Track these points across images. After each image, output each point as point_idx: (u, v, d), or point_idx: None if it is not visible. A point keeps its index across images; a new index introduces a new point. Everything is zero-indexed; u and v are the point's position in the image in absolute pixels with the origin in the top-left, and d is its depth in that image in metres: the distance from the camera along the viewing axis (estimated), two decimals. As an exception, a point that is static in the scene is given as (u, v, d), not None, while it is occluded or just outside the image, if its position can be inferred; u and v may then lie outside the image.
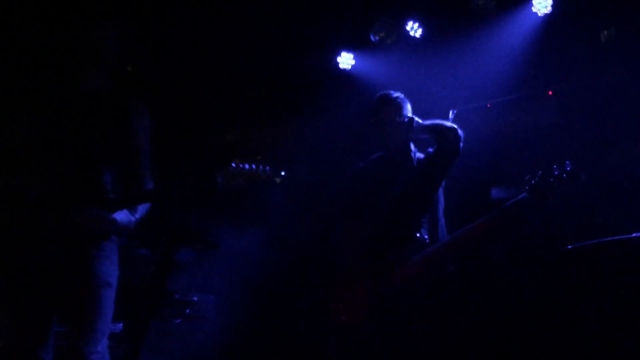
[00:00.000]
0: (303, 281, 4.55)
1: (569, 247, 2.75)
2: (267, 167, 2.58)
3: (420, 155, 3.43)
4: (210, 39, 4.86)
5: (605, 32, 4.71)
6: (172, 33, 4.66)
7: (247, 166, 2.57)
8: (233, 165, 2.56)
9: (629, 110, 4.42)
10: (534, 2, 4.48)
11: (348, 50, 5.33)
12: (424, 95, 4.18)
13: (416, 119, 3.28)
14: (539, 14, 4.49)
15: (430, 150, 3.39)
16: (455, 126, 3.10)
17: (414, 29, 4.88)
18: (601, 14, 4.55)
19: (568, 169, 2.79)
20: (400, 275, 3.16)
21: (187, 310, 4.09)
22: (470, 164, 3.83)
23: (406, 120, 3.37)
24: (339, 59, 5.28)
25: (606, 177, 3.91)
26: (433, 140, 3.22)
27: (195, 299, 4.19)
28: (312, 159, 5.38)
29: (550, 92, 4.40)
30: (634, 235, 2.64)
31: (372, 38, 5.05)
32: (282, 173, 2.57)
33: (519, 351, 3.77)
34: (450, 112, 4.16)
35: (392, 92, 3.47)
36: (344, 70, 5.32)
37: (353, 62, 5.32)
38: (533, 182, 2.85)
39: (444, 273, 3.16)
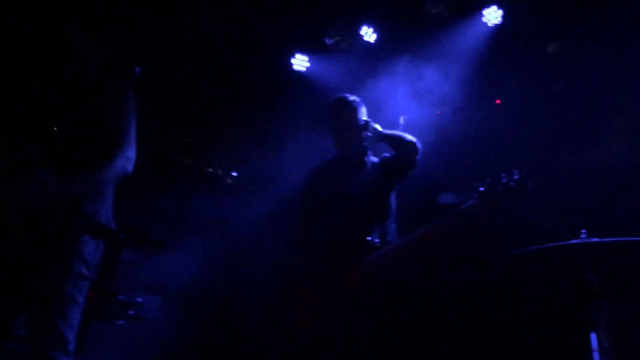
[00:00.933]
0: (253, 282, 4.51)
1: (513, 252, 2.82)
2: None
3: (374, 159, 3.46)
4: (164, 39, 4.78)
5: (552, 45, 4.87)
6: (128, 32, 4.55)
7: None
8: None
9: (573, 121, 4.57)
10: (484, 12, 4.59)
11: (303, 52, 5.34)
12: (376, 100, 4.22)
13: (372, 123, 3.31)
14: (489, 25, 4.60)
15: (386, 155, 3.42)
16: (415, 140, 3.14)
17: (368, 34, 4.92)
18: (548, 28, 4.69)
19: (516, 177, 2.85)
20: (351, 277, 3.17)
21: (131, 312, 3.99)
22: (419, 169, 3.89)
23: (362, 123, 3.40)
24: (293, 61, 5.27)
25: (550, 184, 4.02)
26: (391, 149, 3.25)
27: (140, 300, 4.09)
28: (266, 160, 5.35)
29: (498, 101, 4.50)
30: (572, 241, 2.72)
31: (326, 41, 5.06)
32: (234, 174, 2.55)
33: (464, 351, 3.84)
34: (401, 118, 4.22)
35: (348, 95, 3.49)
36: (299, 71, 5.33)
37: (308, 64, 5.33)
38: (481, 189, 2.90)
39: (393, 276, 3.19)
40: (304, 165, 3.67)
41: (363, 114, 3.43)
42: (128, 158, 2.77)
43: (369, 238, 3.20)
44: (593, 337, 2.62)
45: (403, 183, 3.36)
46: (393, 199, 3.35)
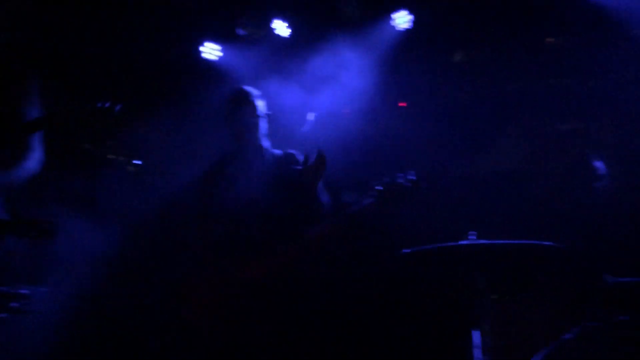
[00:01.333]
0: (148, 277, 4.38)
1: (404, 251, 2.90)
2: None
3: (277, 151, 3.44)
4: (67, 23, 4.55)
5: (458, 53, 5.08)
6: (33, 17, 4.29)
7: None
8: None
9: (471, 127, 4.77)
10: (394, 17, 4.69)
11: (216, 41, 5.24)
12: (288, 95, 4.22)
13: (271, 115, 3.32)
14: (398, 29, 4.71)
15: (292, 152, 3.41)
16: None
17: (281, 28, 4.90)
18: (455, 36, 4.88)
19: (411, 177, 2.94)
20: (248, 274, 3.15)
21: (14, 304, 3.75)
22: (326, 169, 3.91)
23: (262, 117, 3.37)
24: (202, 49, 5.16)
25: (446, 187, 4.19)
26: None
27: (25, 291, 3.85)
28: (170, 150, 5.21)
29: (402, 104, 4.63)
30: (460, 242, 2.84)
31: (238, 32, 5.01)
32: (136, 162, 2.48)
33: (355, 348, 3.92)
34: (309, 115, 4.24)
35: (247, 88, 3.46)
36: (209, 61, 5.23)
37: (220, 53, 5.24)
38: (378, 188, 2.97)
39: (289, 273, 3.20)
40: (210, 156, 3.60)
41: (263, 109, 3.42)
42: (39, 160, 2.64)
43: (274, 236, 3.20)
44: (476, 334, 2.75)
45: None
46: (321, 192, 3.34)
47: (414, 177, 2.95)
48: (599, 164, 3.74)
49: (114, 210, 4.59)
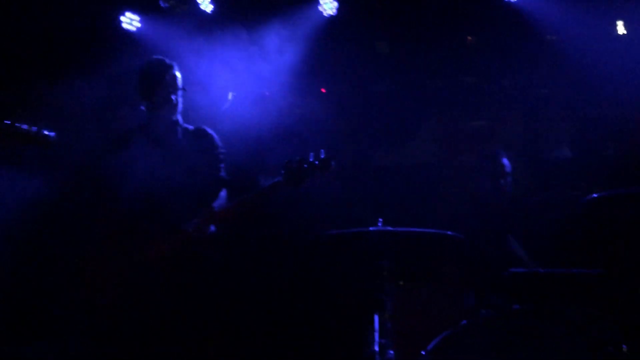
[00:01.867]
0: (50, 254, 4.19)
1: (314, 235, 2.94)
2: (45, 130, 2.36)
3: (189, 126, 3.37)
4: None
5: (381, 43, 5.15)
6: None
7: (24, 126, 2.34)
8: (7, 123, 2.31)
9: (391, 118, 4.87)
10: (320, 1, 4.68)
11: (137, 12, 5.04)
12: (208, 73, 4.13)
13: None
14: (325, 14, 4.70)
15: (204, 128, 3.35)
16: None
17: (204, 3, 4.78)
18: (379, 27, 4.94)
19: (322, 156, 2.96)
20: (155, 251, 3.08)
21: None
22: (242, 150, 3.88)
23: (178, 91, 3.28)
24: (122, 19, 4.95)
25: (361, 175, 4.26)
26: None
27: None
28: (83, 120, 4.98)
29: (323, 90, 4.65)
30: (371, 228, 2.90)
31: (161, 4, 4.85)
32: (48, 133, 2.35)
33: (260, 330, 3.94)
34: (230, 94, 4.17)
35: (165, 60, 3.35)
36: (129, 31, 5.03)
37: (139, 24, 5.05)
38: (289, 166, 2.97)
39: (197, 251, 3.15)
40: (122, 127, 3.47)
41: (179, 83, 3.33)
42: None
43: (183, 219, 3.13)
44: (377, 318, 2.82)
45: (225, 163, 3.34)
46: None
47: (324, 156, 2.97)
48: (505, 161, 3.92)
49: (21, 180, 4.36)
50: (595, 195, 2.70)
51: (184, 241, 3.08)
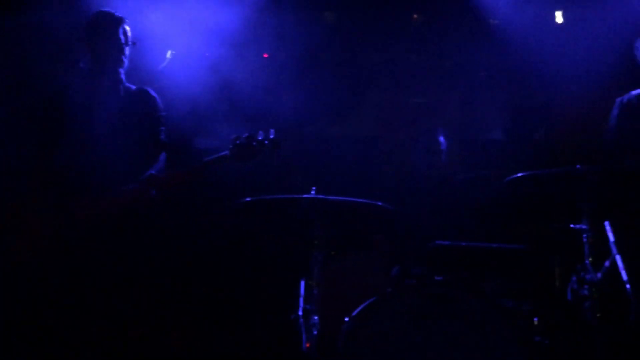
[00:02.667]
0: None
1: (243, 201, 2.95)
2: None
3: (132, 86, 3.28)
4: None
5: (329, 13, 5.13)
6: None
7: None
8: None
9: (337, 90, 4.87)
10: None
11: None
12: (146, 28, 3.99)
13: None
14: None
15: (147, 89, 3.27)
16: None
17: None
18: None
19: (271, 136, 2.95)
20: (88, 211, 3.01)
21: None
22: (178, 111, 3.81)
23: (126, 47, 3.18)
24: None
25: (305, 145, 4.28)
26: None
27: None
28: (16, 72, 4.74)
29: (265, 55, 4.60)
30: (302, 196, 2.93)
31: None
32: None
33: (189, 295, 3.94)
34: (169, 52, 4.06)
35: (114, 12, 3.23)
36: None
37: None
38: (238, 142, 2.96)
39: (131, 213, 3.10)
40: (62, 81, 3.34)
41: (129, 36, 3.24)
42: None
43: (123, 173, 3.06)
44: (302, 284, 2.87)
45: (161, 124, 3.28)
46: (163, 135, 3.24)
47: (273, 136, 2.96)
48: (442, 139, 4.01)
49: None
50: (516, 175, 2.81)
51: (121, 203, 3.02)
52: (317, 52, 4.98)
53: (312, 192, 2.98)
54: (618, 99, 3.57)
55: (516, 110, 4.92)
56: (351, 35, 5.11)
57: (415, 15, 5.26)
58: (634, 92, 3.54)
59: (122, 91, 3.25)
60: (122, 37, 3.18)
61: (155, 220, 3.27)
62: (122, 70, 3.23)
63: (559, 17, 4.91)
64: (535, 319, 2.96)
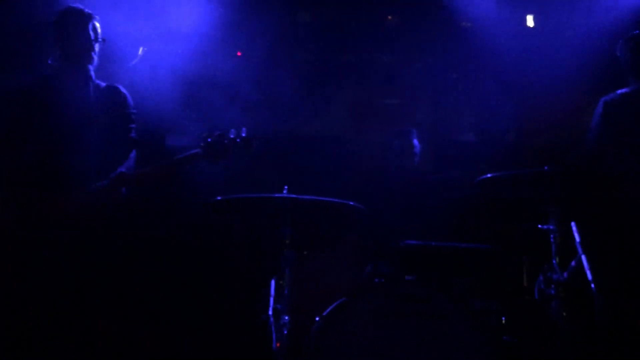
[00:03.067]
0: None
1: (215, 200, 2.92)
2: None
3: (101, 83, 3.23)
4: None
5: (303, 13, 5.13)
6: None
7: None
8: None
9: (308, 89, 4.86)
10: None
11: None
12: (116, 25, 3.94)
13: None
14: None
15: (117, 86, 3.22)
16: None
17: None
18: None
19: (243, 135, 2.93)
20: (57, 207, 2.96)
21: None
22: (149, 109, 3.76)
23: (96, 43, 3.13)
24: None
25: (272, 143, 4.26)
26: None
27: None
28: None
29: (239, 53, 4.58)
30: (273, 195, 2.92)
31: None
32: None
33: (157, 293, 3.91)
34: (141, 49, 4.01)
35: (84, 8, 3.18)
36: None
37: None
38: (209, 140, 2.93)
39: (103, 213, 3.06)
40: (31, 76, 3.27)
41: (99, 32, 3.19)
42: None
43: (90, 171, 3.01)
44: (272, 284, 2.86)
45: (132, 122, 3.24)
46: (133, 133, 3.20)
47: (245, 134, 2.94)
48: (415, 142, 4.04)
49: None
50: (486, 176, 2.85)
51: (91, 201, 2.98)
52: (291, 51, 4.98)
53: (284, 192, 2.98)
54: (602, 98, 3.58)
55: (487, 112, 4.97)
56: (325, 36, 5.12)
57: (389, 17, 5.30)
58: (619, 92, 3.56)
59: (91, 88, 3.20)
60: (91, 33, 3.13)
61: (126, 218, 3.23)
62: (91, 67, 3.18)
63: (530, 20, 5.00)
64: (503, 318, 3.00)
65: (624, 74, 3.61)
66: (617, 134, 3.43)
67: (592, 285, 2.62)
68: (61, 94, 3.12)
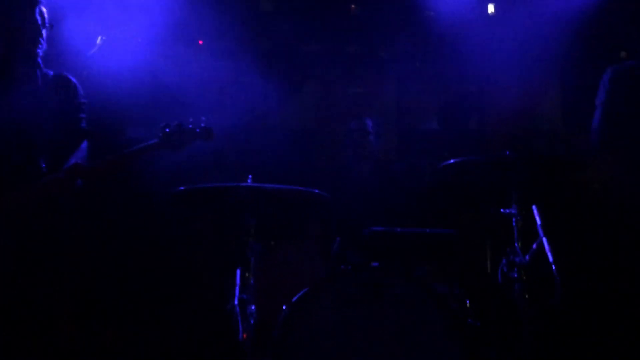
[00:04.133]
0: None
1: (181, 188, 2.88)
2: None
3: (49, 71, 3.12)
4: None
5: (266, 2, 5.09)
6: None
7: None
8: None
9: (274, 79, 4.82)
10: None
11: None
12: (74, 14, 3.84)
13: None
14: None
15: (66, 75, 3.13)
16: None
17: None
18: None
19: (202, 124, 2.89)
20: (5, 203, 2.86)
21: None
22: (110, 99, 3.68)
23: (44, 28, 3.02)
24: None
25: (236, 134, 4.22)
26: None
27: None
28: None
29: (200, 42, 4.51)
30: (237, 184, 2.90)
31: None
32: None
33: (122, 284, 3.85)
34: (99, 38, 3.91)
35: None
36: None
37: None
38: (167, 130, 2.87)
39: (58, 206, 2.98)
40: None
41: (46, 17, 3.07)
42: None
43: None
44: (238, 273, 2.83)
45: (93, 112, 3.15)
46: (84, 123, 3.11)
47: (204, 124, 2.90)
48: (368, 121, 4.04)
49: None
50: (449, 162, 2.87)
51: (44, 194, 2.89)
52: (254, 41, 4.93)
53: (249, 181, 2.95)
54: (611, 67, 3.38)
55: (450, 100, 5.02)
56: (288, 25, 5.09)
57: (353, 6, 5.29)
58: (627, 63, 3.45)
59: (39, 77, 3.09)
60: (38, 18, 3.00)
61: (82, 210, 3.16)
62: (39, 54, 3.07)
63: (491, 8, 5.05)
64: (468, 302, 3.03)
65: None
66: (627, 104, 3.35)
67: (553, 267, 2.67)
68: (6, 84, 3.01)
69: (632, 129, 3.21)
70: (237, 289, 2.82)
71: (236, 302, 2.81)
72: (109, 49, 3.86)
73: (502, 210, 2.92)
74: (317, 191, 2.95)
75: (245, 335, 2.81)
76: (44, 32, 3.02)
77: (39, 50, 3.02)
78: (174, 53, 4.28)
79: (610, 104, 3.29)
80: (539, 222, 2.78)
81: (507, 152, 2.83)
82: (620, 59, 3.69)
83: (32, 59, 3.01)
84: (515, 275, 2.82)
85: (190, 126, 2.89)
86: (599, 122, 3.28)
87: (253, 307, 2.87)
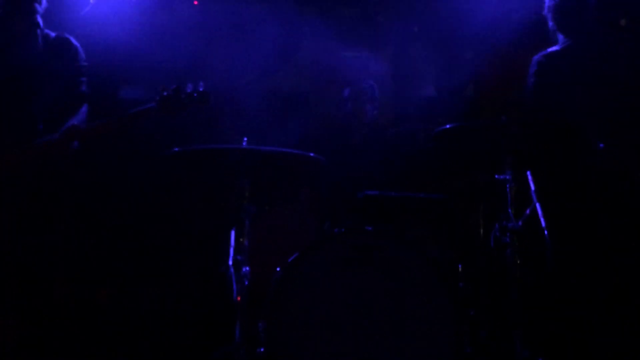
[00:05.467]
0: None
1: (175, 150, 2.87)
2: None
3: (51, 33, 3.08)
4: None
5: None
6: None
7: None
8: None
9: (268, 43, 4.77)
10: None
11: None
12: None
13: None
14: None
15: (68, 37, 3.08)
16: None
17: None
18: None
19: (200, 89, 2.86)
20: (2, 164, 2.84)
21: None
22: (102, 59, 3.62)
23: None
24: None
25: (232, 97, 4.19)
26: None
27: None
28: None
29: (195, 2, 4.43)
30: (232, 146, 2.89)
31: None
32: None
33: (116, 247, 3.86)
34: (92, -6, 3.84)
35: None
36: None
37: None
38: (165, 94, 2.84)
39: (55, 168, 2.97)
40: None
41: None
42: None
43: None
44: (232, 235, 2.84)
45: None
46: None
47: (202, 89, 2.87)
48: (372, 86, 4.02)
49: None
50: (444, 127, 2.86)
51: (41, 155, 2.87)
52: (248, 2, 4.85)
53: (244, 143, 2.93)
54: (535, 57, 3.58)
55: (447, 67, 4.98)
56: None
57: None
58: (550, 50, 3.58)
59: (39, 38, 3.04)
60: None
61: (78, 172, 3.15)
62: (39, 12, 3.01)
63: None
64: (460, 266, 3.07)
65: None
66: (551, 92, 3.42)
67: (546, 233, 2.69)
68: (5, 44, 2.97)
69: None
70: (232, 250, 2.84)
71: (230, 263, 2.84)
72: (102, 8, 3.81)
73: (496, 176, 2.93)
74: (312, 154, 2.95)
75: (239, 297, 2.84)
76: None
77: (37, 6, 2.97)
78: (168, 14, 4.21)
79: (537, 96, 3.35)
80: (532, 187, 2.79)
81: (503, 117, 2.82)
82: (619, 26, 3.65)
83: (31, 17, 2.96)
84: (508, 240, 2.84)
85: (189, 90, 2.87)
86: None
87: (247, 269, 2.89)
